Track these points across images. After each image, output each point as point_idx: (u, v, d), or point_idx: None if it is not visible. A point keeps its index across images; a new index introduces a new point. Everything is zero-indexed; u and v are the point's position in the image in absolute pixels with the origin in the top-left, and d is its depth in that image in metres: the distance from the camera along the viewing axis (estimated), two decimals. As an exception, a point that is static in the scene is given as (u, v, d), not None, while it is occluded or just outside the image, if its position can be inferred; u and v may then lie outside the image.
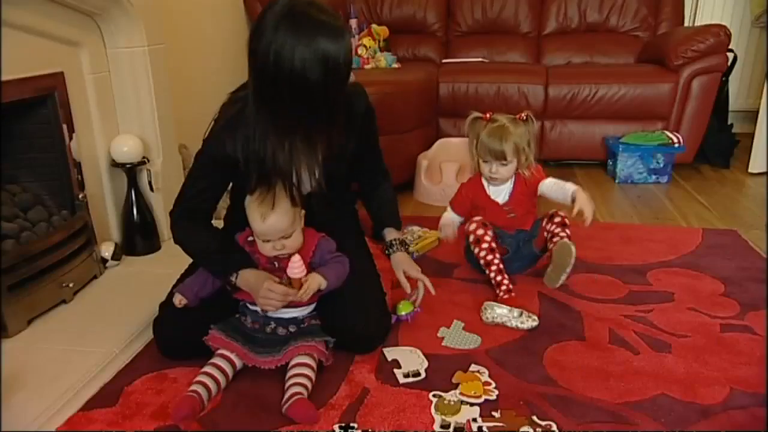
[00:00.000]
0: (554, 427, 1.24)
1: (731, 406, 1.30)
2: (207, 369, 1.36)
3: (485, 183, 1.89)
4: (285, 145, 1.31)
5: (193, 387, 1.31)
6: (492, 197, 1.88)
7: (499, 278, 1.78)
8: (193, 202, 1.47)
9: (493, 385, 1.38)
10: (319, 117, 1.30)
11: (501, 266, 1.80)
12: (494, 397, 1.33)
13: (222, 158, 1.38)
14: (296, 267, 1.35)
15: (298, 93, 1.23)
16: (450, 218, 1.94)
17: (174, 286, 1.51)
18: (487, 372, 1.42)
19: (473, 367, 1.44)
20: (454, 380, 1.40)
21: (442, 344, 1.54)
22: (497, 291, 1.77)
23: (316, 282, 1.38)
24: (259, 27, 1.22)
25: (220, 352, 1.40)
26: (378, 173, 1.68)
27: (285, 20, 1.19)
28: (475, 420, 1.26)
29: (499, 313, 1.64)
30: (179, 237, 1.47)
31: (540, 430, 1.23)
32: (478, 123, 1.85)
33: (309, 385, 1.33)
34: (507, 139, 1.77)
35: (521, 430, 1.23)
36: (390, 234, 1.65)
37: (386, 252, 1.64)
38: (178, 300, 1.43)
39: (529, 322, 1.63)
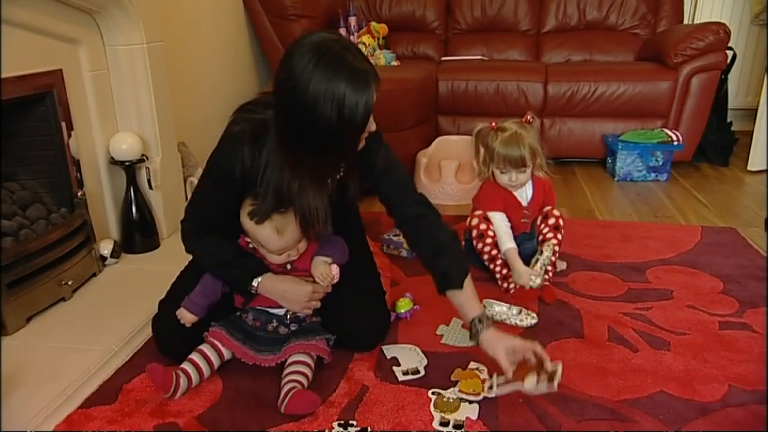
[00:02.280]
0: (559, 369, 1.23)
1: (730, 404, 1.31)
2: (193, 357, 1.37)
3: None
4: (296, 183, 1.26)
5: (177, 371, 1.33)
6: (517, 197, 1.87)
7: (504, 271, 1.79)
8: (205, 215, 1.42)
9: (492, 382, 1.38)
10: (327, 159, 1.26)
11: (503, 260, 1.80)
12: (493, 395, 1.33)
13: (231, 174, 1.33)
14: (337, 274, 1.42)
15: (307, 129, 1.17)
16: (504, 225, 1.83)
17: (173, 286, 1.51)
18: (486, 369, 1.42)
19: (472, 365, 1.44)
20: (453, 378, 1.40)
21: (442, 342, 1.54)
22: (503, 284, 1.78)
23: (324, 270, 1.40)
24: (288, 52, 1.17)
25: (210, 340, 1.40)
26: (414, 204, 1.44)
27: (312, 51, 1.12)
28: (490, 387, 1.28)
29: (498, 310, 1.64)
30: (192, 249, 1.45)
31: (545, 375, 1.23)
32: (484, 132, 1.82)
33: (305, 381, 1.33)
34: (524, 144, 1.75)
35: (526, 378, 1.23)
36: (464, 306, 1.38)
37: (470, 337, 1.37)
38: (189, 321, 1.39)
39: (528, 319, 1.63)
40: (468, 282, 1.38)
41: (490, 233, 1.81)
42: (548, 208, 1.89)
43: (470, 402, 1.31)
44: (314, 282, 1.41)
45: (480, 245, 1.82)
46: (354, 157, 1.31)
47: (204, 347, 1.39)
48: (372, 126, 1.23)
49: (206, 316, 1.42)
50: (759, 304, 1.73)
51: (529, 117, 1.81)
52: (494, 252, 1.80)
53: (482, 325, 1.33)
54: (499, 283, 1.80)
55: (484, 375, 1.40)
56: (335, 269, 1.41)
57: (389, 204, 1.45)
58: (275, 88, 1.20)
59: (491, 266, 1.81)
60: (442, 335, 1.57)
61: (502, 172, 1.81)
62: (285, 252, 1.39)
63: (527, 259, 1.87)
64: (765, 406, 1.30)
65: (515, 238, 1.85)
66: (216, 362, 1.39)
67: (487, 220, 1.83)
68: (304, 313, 1.43)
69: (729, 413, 1.28)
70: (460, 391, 1.34)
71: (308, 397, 1.27)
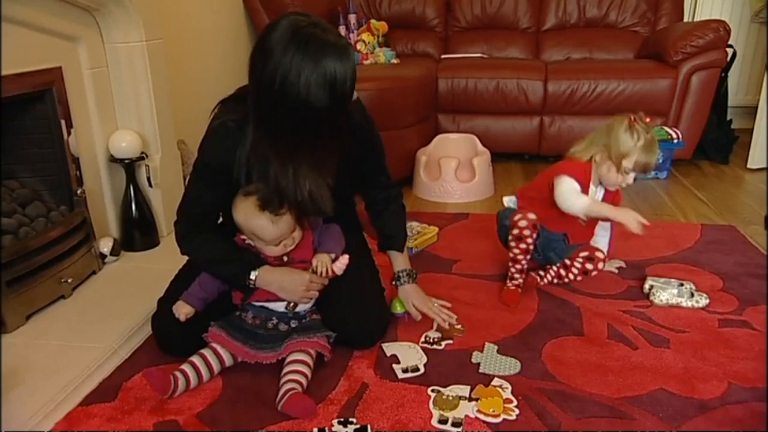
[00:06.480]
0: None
1: (729, 401, 1.31)
2: (193, 359, 1.37)
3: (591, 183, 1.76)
4: (289, 171, 1.28)
5: (175, 372, 1.33)
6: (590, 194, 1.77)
7: (516, 276, 1.76)
8: (198, 215, 1.43)
9: (515, 403, 1.30)
10: (322, 140, 1.28)
11: (525, 267, 1.76)
12: (513, 417, 1.25)
13: (221, 170, 1.35)
14: (343, 266, 1.43)
15: (301, 119, 1.21)
16: (575, 186, 1.69)
17: (172, 283, 1.51)
18: (510, 388, 1.35)
19: (496, 381, 1.37)
20: (474, 394, 1.33)
21: (479, 371, 1.42)
22: (508, 282, 1.77)
23: (325, 260, 1.43)
24: (264, 48, 1.19)
25: (211, 345, 1.39)
26: (384, 189, 1.61)
27: (292, 43, 1.16)
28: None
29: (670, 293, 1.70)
30: (187, 250, 1.45)
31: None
32: (619, 122, 1.69)
33: (304, 381, 1.32)
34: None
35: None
36: (396, 262, 1.60)
37: (393, 283, 1.60)
38: (184, 314, 1.39)
39: (703, 300, 1.70)
40: (405, 245, 1.62)
41: (529, 241, 1.71)
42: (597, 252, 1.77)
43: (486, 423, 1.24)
44: (312, 272, 1.41)
45: (513, 243, 1.74)
46: (347, 128, 1.33)
47: (206, 351, 1.39)
48: (354, 94, 1.29)
49: (204, 315, 1.41)
50: (758, 302, 1.73)
51: (648, 119, 1.71)
52: (520, 257, 1.73)
53: (408, 279, 1.58)
54: (507, 281, 1.78)
55: (507, 394, 1.32)
56: (345, 260, 1.42)
57: (362, 177, 1.58)
58: (259, 83, 1.22)
59: (510, 263, 1.76)
60: (478, 363, 1.46)
61: (626, 171, 1.69)
62: (281, 241, 1.39)
63: (556, 257, 1.82)
64: (765, 403, 1.30)
65: (562, 240, 1.78)
66: (216, 367, 1.39)
67: (535, 228, 1.71)
68: (303, 302, 1.43)
69: (728, 411, 1.28)
70: (478, 411, 1.27)
71: (304, 402, 1.26)
